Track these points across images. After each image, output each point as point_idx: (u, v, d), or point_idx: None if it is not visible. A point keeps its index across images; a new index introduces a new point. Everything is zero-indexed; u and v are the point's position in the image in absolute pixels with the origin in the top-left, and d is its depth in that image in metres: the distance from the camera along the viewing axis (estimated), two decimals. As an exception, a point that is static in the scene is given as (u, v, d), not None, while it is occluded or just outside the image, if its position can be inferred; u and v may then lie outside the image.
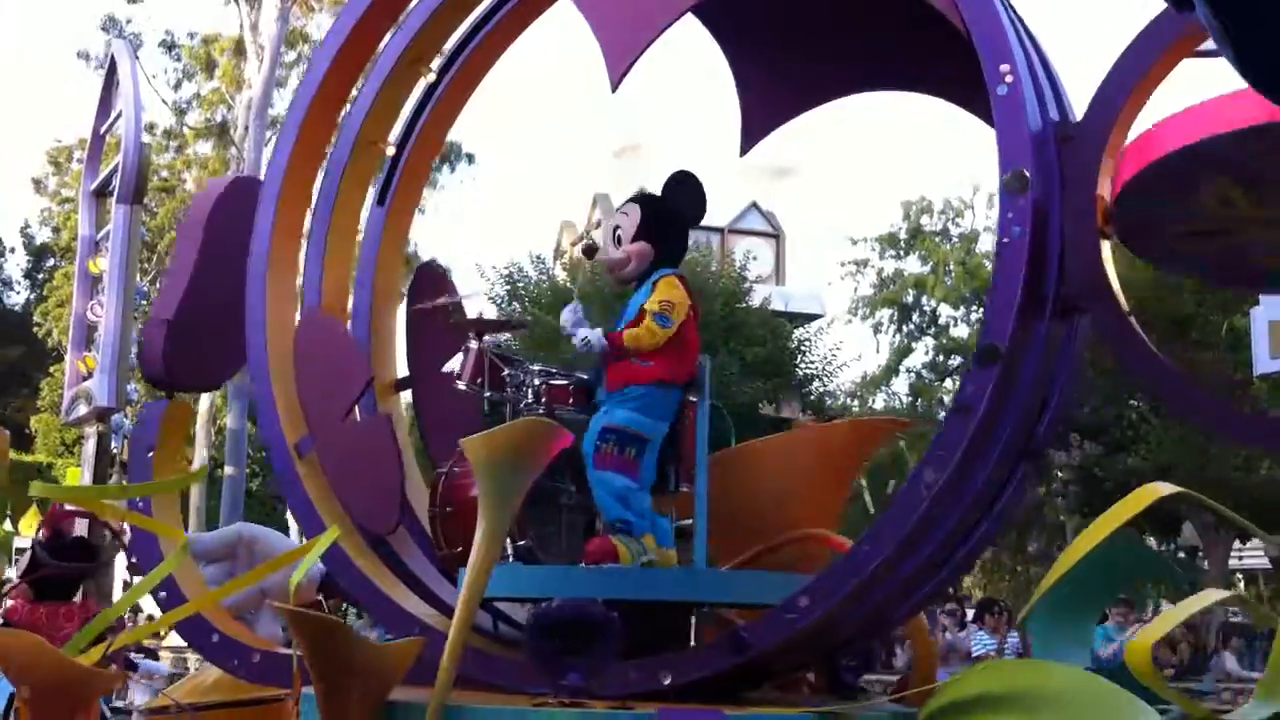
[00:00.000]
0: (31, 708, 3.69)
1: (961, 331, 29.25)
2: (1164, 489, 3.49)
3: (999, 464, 4.07)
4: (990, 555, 26.54)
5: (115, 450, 17.40)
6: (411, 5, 5.51)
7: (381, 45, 5.59)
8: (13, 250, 45.65)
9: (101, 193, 10.21)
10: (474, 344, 4.85)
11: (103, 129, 12.10)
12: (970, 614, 14.43)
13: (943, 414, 27.94)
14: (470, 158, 35.62)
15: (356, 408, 5.13)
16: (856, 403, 29.79)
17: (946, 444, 3.84)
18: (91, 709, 3.83)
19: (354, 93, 5.79)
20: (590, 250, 4.96)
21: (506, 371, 4.73)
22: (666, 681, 4.03)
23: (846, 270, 31.36)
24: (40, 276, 42.87)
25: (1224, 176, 3.75)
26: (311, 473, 5.07)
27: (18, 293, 45.29)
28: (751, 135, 5.43)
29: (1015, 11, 4.56)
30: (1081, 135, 4.08)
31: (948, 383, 28.65)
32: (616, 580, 4.17)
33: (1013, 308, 3.80)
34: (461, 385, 4.87)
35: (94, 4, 51.34)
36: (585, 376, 4.89)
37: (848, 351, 47.74)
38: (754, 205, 36.08)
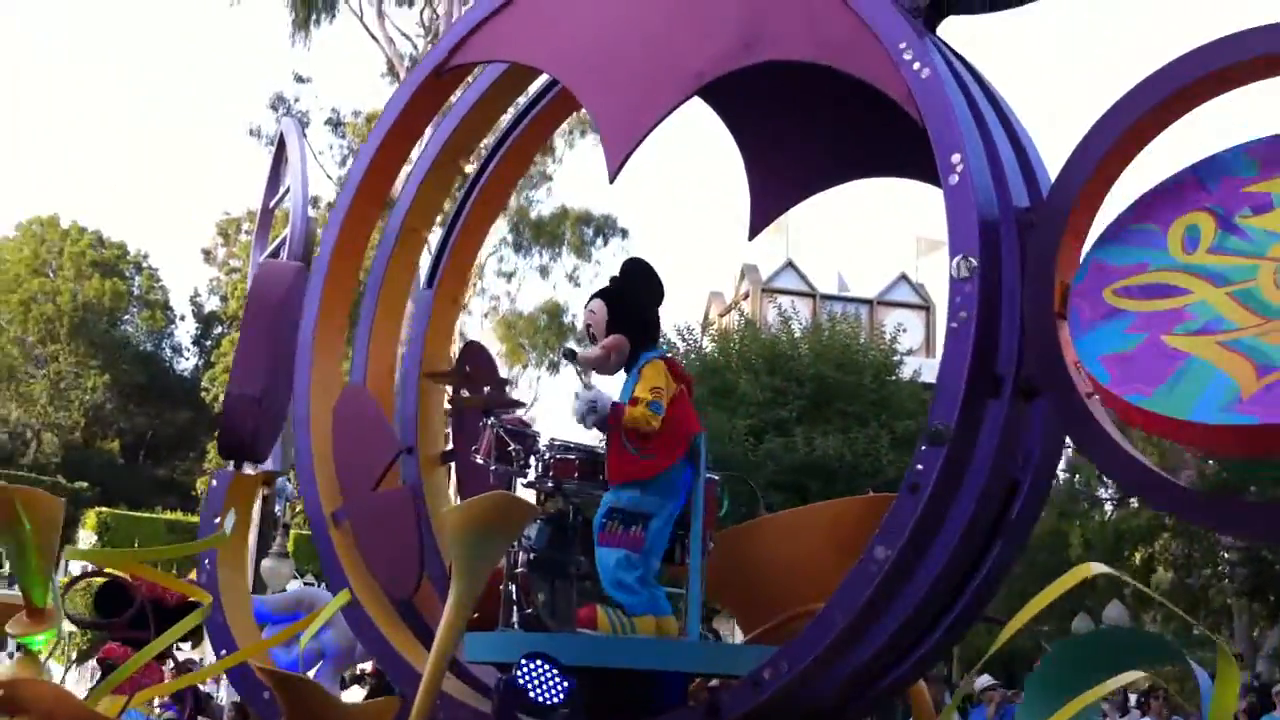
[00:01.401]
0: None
1: (1118, 405, 28.30)
2: (1096, 568, 3.63)
3: (964, 542, 4.22)
4: (1152, 640, 25.57)
5: (279, 512, 18.31)
6: (449, 104, 6.03)
7: (421, 142, 6.11)
8: (183, 318, 48.81)
9: (270, 264, 10.63)
10: (488, 420, 5.23)
11: (271, 203, 12.86)
12: (1133, 699, 14.34)
13: (1100, 491, 27.14)
14: (624, 232, 36.49)
15: (394, 478, 5.58)
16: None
17: (897, 522, 4.02)
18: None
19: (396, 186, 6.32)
20: (570, 354, 5.22)
21: (512, 447, 5.08)
22: (639, 748, 4.28)
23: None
24: (208, 344, 45.69)
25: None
26: (345, 541, 5.52)
27: (187, 359, 48.25)
28: (759, 220, 5.72)
29: (992, 95, 4.78)
30: (1041, 220, 4.25)
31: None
32: (584, 648, 4.45)
33: (959, 391, 3.98)
34: (479, 460, 5.26)
35: (264, 83, 54.75)
36: (597, 450, 5.21)
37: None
38: (903, 277, 35.90)
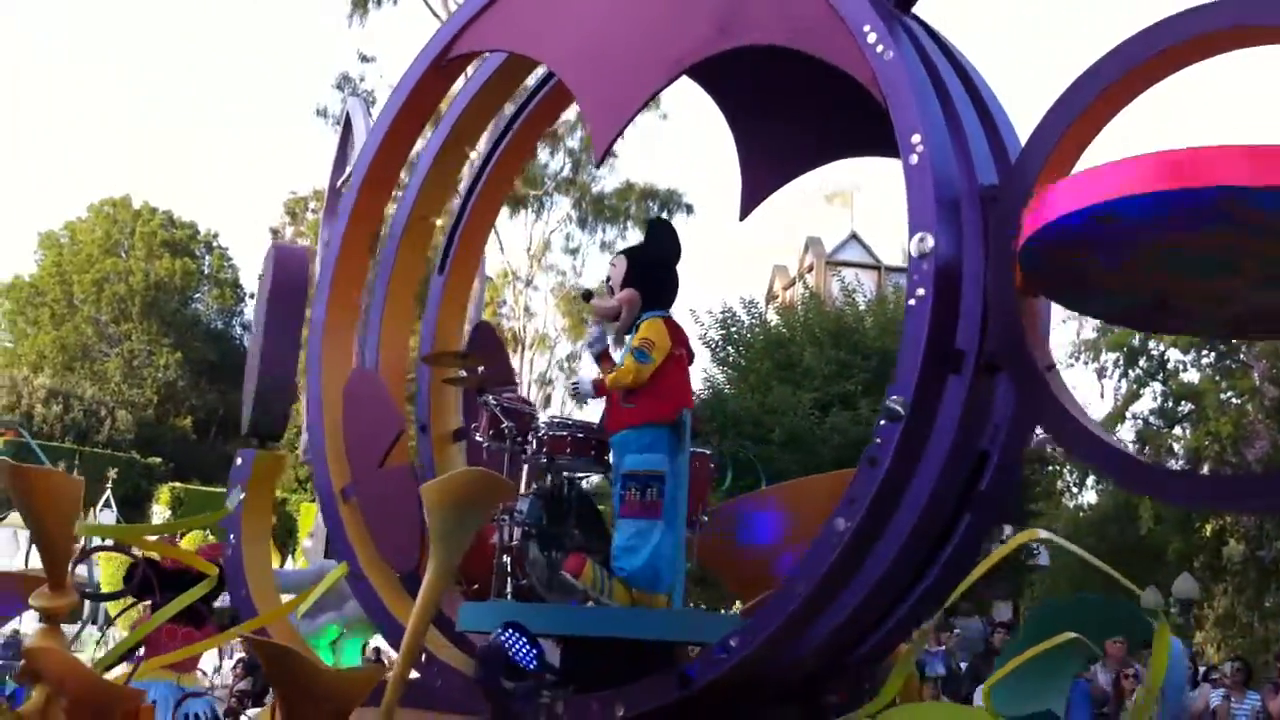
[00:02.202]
0: (69, 716, 4.49)
1: (1192, 376, 27.97)
2: (1041, 534, 3.78)
3: (928, 514, 4.37)
4: (1224, 611, 25.27)
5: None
6: (453, 92, 6.26)
7: (427, 130, 6.35)
8: (252, 296, 49.81)
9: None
10: (487, 399, 5.48)
11: (339, 182, 13.18)
12: (1202, 671, 14.39)
13: (1171, 463, 26.80)
14: (689, 207, 36.64)
15: (403, 455, 5.86)
16: (1081, 450, 28.85)
17: (857, 494, 4.19)
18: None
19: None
20: (588, 295, 5.52)
21: (505, 424, 5.32)
22: (620, 714, 4.51)
23: (1069, 313, 30.48)
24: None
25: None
26: (353, 517, 5.81)
27: (255, 337, 49.28)
28: (749, 200, 5.88)
29: (966, 73, 4.89)
30: (1003, 196, 4.37)
31: (1177, 430, 27.45)
32: (550, 617, 4.70)
33: (916, 367, 4.13)
34: (478, 438, 5.51)
35: (330, 63, 55.62)
36: (591, 426, 5.43)
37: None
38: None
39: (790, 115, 5.71)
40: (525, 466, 5.40)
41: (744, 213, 5.93)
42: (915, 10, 5.07)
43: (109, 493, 28.54)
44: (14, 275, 49.80)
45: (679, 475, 5.06)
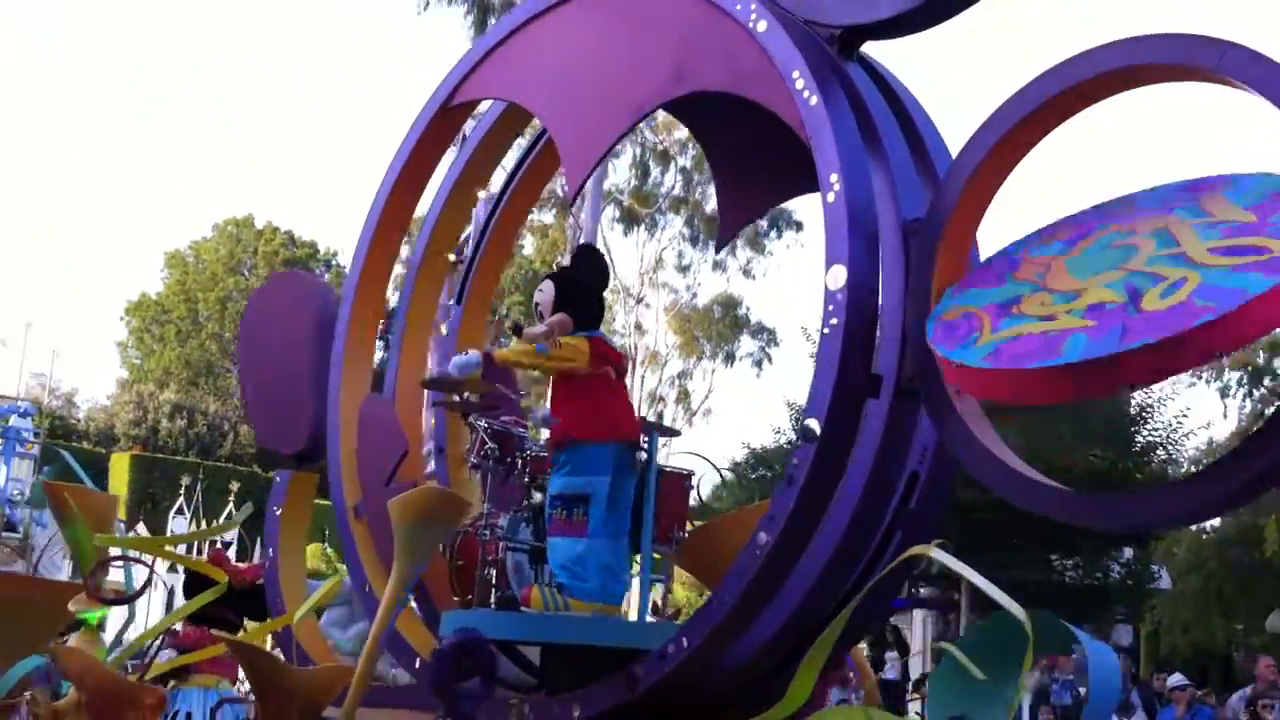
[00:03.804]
0: (88, 711, 5.17)
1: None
2: (932, 550, 4.12)
3: (853, 531, 4.77)
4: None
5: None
6: (464, 134, 6.84)
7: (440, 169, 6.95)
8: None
9: (453, 263, 11.30)
10: (478, 422, 6.03)
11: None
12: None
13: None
14: (799, 225, 36.91)
15: (418, 473, 6.45)
16: (1204, 474, 28.28)
17: (776, 511, 4.62)
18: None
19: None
20: (517, 327, 5.73)
21: (489, 446, 5.86)
22: (576, 714, 5.00)
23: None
24: (390, 337, 48.30)
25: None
26: (364, 533, 6.41)
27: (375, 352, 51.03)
28: (727, 231, 6.32)
29: (908, 112, 5.28)
30: (923, 229, 4.75)
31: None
32: (503, 624, 5.23)
33: (828, 392, 4.53)
34: (470, 459, 6.07)
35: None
36: None
37: (1195, 418, 44.69)
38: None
39: (762, 149, 6.12)
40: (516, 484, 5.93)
41: (721, 243, 6.37)
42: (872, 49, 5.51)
43: (231, 505, 30.04)
44: (141, 293, 52.64)
45: (620, 493, 5.44)
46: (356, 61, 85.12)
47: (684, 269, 38.87)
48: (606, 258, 5.88)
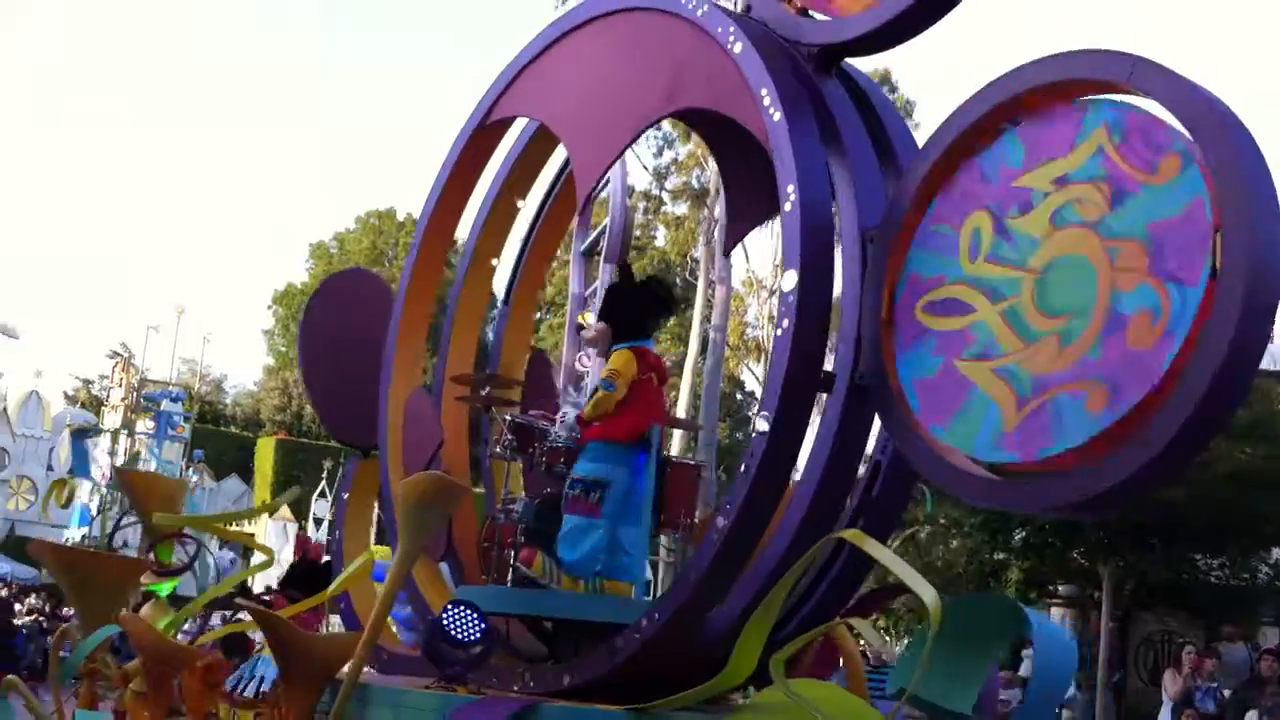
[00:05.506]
0: (146, 671, 5.99)
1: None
2: (848, 534, 4.56)
3: (815, 515, 5.24)
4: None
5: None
6: (505, 145, 7.50)
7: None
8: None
9: (590, 253, 11.34)
10: (504, 416, 6.66)
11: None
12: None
13: None
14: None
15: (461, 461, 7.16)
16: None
17: (732, 497, 5.14)
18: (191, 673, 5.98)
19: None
20: (580, 329, 6.53)
21: (508, 438, 6.49)
22: (566, 681, 5.59)
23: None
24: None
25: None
26: (406, 515, 7.11)
27: (509, 345, 52.54)
28: (731, 238, 6.82)
29: (882, 123, 5.72)
30: (879, 237, 5.19)
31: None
32: (495, 598, 5.85)
33: (778, 389, 5.02)
34: (495, 450, 6.72)
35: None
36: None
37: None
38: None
39: (764, 159, 6.60)
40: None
41: (727, 250, 6.88)
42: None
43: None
44: (287, 283, 55.12)
45: (636, 482, 6.05)
46: (496, 57, 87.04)
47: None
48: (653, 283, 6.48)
